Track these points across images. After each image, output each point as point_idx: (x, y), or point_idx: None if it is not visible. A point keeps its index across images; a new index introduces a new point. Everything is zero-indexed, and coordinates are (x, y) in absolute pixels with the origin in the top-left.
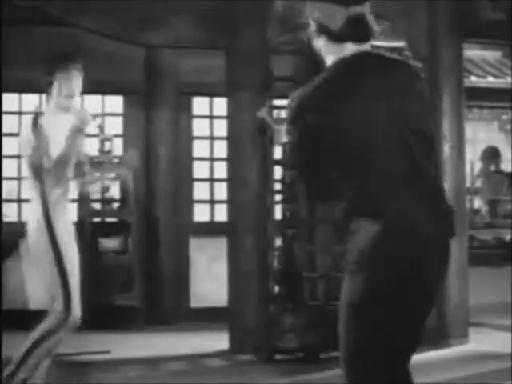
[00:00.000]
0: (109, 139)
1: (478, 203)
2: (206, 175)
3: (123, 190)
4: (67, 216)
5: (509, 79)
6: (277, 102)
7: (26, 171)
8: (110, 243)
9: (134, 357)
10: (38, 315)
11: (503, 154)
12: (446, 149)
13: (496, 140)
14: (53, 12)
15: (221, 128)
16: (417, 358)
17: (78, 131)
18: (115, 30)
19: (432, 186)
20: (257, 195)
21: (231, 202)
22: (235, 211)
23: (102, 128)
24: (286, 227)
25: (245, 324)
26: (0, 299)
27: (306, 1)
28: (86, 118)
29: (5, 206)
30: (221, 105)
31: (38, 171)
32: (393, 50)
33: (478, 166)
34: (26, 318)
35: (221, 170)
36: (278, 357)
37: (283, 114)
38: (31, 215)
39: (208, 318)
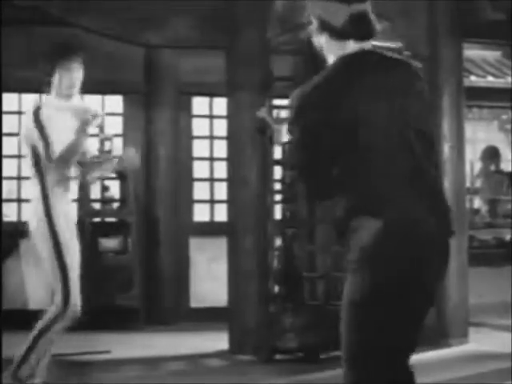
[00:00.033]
0: (109, 139)
1: (477, 203)
2: (206, 175)
3: (123, 189)
4: (68, 210)
5: (509, 79)
6: (277, 102)
7: (27, 163)
8: (109, 243)
9: (134, 357)
10: (38, 315)
11: (503, 154)
12: (446, 149)
13: (496, 140)
14: (53, 12)
15: (221, 128)
16: (417, 357)
17: (83, 130)
18: (115, 29)
19: (432, 186)
20: (257, 195)
21: (231, 201)
22: (235, 211)
23: (101, 128)
24: (286, 227)
25: (245, 324)
26: (0, 299)
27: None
28: (91, 115)
29: (5, 205)
30: (221, 105)
31: (38, 164)
32: (390, 50)
33: (478, 165)
34: (26, 318)
35: (221, 170)
36: (278, 357)
37: (283, 113)
38: (32, 209)
39: (208, 317)
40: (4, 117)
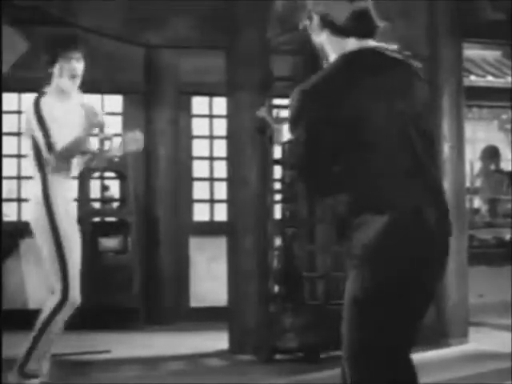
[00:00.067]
0: (108, 138)
1: (477, 203)
2: (206, 175)
3: (123, 188)
4: (69, 202)
5: (508, 79)
6: (277, 102)
7: (28, 158)
8: (109, 243)
9: (134, 357)
10: (38, 315)
11: (503, 154)
12: (446, 149)
13: (496, 139)
14: (53, 12)
15: (220, 127)
16: (416, 357)
17: (90, 132)
18: (115, 29)
19: (432, 186)
20: (257, 195)
21: (231, 201)
22: (235, 211)
23: (101, 127)
24: (286, 227)
25: (245, 324)
26: (0, 299)
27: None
28: (97, 117)
29: (5, 205)
30: (220, 104)
31: (39, 156)
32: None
33: (478, 165)
34: (26, 318)
35: (220, 170)
36: (278, 357)
37: (283, 113)
38: (33, 200)
39: (208, 317)
40: (4, 117)
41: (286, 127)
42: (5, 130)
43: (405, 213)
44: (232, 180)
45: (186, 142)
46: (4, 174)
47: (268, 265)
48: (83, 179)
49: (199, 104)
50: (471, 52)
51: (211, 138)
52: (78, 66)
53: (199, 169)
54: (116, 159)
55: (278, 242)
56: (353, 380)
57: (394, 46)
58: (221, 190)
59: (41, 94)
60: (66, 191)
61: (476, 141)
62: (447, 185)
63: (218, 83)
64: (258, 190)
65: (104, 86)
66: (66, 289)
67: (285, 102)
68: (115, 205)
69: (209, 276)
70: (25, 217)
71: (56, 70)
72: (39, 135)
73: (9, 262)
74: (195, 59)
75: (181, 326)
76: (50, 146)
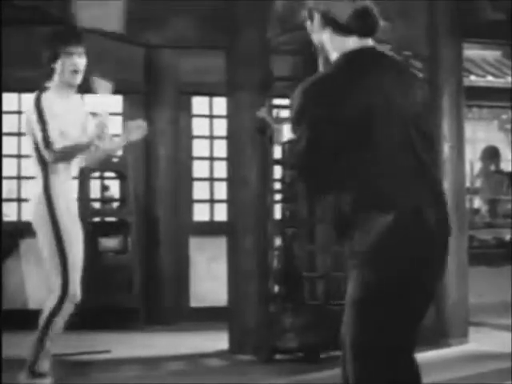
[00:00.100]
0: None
1: (477, 203)
2: (206, 175)
3: (123, 188)
4: (70, 197)
5: (508, 79)
6: (277, 102)
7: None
8: (109, 243)
9: (134, 357)
10: (38, 315)
11: (503, 154)
12: (446, 149)
13: (496, 139)
14: (53, 12)
15: (220, 127)
16: (416, 357)
17: (93, 142)
18: (115, 30)
19: (432, 186)
20: (257, 195)
21: (231, 201)
22: (235, 211)
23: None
24: (286, 227)
25: (245, 324)
26: (0, 299)
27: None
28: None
29: (5, 205)
30: (220, 104)
31: (39, 152)
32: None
33: (478, 165)
34: (26, 318)
35: (220, 170)
36: (278, 357)
37: (283, 113)
38: (34, 196)
39: (208, 317)
40: (4, 117)
41: (286, 127)
42: (5, 130)
43: (405, 213)
44: (232, 180)
45: (186, 141)
46: (4, 174)
47: (268, 265)
48: (83, 179)
49: (199, 104)
50: (471, 52)
51: (211, 138)
52: (80, 61)
53: (199, 169)
54: (115, 159)
55: (278, 242)
56: (353, 380)
57: (388, 47)
58: (221, 190)
59: (42, 89)
60: (67, 191)
61: (476, 141)
62: (447, 185)
63: (217, 83)
64: (258, 190)
65: None
66: (65, 283)
67: (285, 101)
68: (115, 205)
69: (209, 276)
70: (25, 217)
71: (58, 65)
72: (37, 129)
73: (9, 262)
74: (195, 59)
75: (181, 326)
76: (47, 141)
